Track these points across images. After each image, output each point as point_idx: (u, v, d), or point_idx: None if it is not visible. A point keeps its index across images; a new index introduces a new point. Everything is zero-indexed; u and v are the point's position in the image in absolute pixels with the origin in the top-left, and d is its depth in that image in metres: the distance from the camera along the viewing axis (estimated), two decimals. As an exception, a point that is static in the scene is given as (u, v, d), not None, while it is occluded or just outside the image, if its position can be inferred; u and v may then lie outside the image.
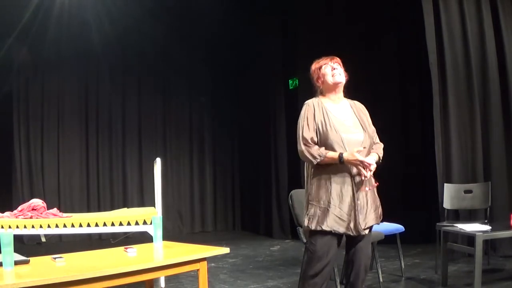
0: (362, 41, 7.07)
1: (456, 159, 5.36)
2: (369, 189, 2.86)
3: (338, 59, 3.02)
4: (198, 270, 2.86)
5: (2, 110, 7.97)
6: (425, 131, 6.31)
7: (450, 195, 5.07)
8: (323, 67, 2.97)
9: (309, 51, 6.69)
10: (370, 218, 2.86)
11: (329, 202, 2.80)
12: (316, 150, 2.84)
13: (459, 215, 5.22)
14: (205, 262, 2.89)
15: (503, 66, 5.41)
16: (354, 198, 2.80)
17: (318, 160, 2.82)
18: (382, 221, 4.75)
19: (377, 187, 2.95)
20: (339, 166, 2.80)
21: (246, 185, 9.33)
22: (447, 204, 5.06)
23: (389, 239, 4.46)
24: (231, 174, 9.59)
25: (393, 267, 5.03)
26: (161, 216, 3.70)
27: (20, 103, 8.08)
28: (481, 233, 3.67)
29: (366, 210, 2.84)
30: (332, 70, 2.95)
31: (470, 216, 5.18)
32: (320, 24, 7.27)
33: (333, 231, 2.79)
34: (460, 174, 5.34)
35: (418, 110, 6.56)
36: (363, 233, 2.83)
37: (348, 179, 2.81)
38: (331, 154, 2.80)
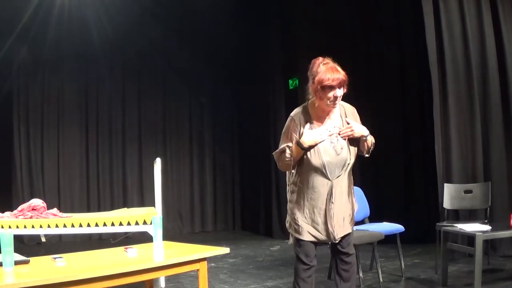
0: (362, 41, 7.07)
1: (456, 159, 5.36)
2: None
3: (345, 79, 2.75)
4: (198, 270, 2.86)
5: (2, 110, 7.97)
6: (425, 131, 6.31)
7: (450, 195, 5.07)
8: (327, 91, 2.73)
9: (309, 51, 6.67)
10: (345, 229, 2.92)
11: (304, 217, 2.87)
12: (282, 149, 2.89)
13: (459, 215, 5.22)
14: (205, 262, 2.89)
15: (503, 66, 5.40)
16: (326, 214, 2.85)
17: (289, 153, 2.84)
18: (382, 221, 4.79)
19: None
20: (315, 180, 2.83)
21: (246, 185, 9.33)
22: (447, 204, 5.06)
23: (389, 239, 4.47)
24: (231, 174, 9.58)
25: (393, 267, 5.02)
26: (161, 216, 3.69)
27: (20, 103, 8.08)
28: (481, 233, 3.68)
29: (341, 223, 2.89)
30: (334, 99, 2.75)
31: (470, 216, 5.17)
32: (320, 24, 7.27)
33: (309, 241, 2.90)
34: (460, 174, 5.34)
35: (418, 110, 6.55)
36: (338, 240, 2.91)
37: (323, 194, 2.84)
38: (293, 147, 2.83)
